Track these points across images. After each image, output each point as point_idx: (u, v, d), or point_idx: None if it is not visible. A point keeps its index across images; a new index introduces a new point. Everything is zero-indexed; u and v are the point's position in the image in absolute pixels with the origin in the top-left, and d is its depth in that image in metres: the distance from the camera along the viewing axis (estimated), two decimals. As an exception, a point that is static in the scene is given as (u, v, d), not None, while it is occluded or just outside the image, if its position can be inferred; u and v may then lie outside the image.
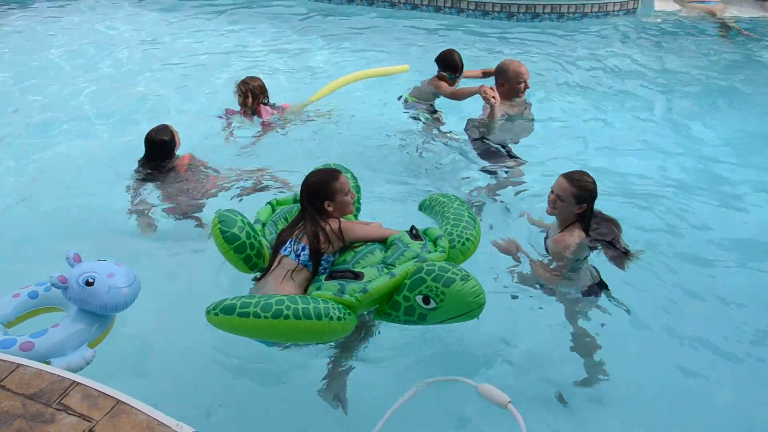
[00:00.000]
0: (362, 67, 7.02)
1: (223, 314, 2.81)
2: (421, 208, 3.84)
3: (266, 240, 3.39)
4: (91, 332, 3.00)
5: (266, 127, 5.39)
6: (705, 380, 3.26)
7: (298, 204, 3.50)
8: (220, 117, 5.50)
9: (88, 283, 2.92)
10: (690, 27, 8.95)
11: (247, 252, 3.23)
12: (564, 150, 5.39)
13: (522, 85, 5.12)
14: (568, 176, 3.46)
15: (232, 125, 5.41)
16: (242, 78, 5.43)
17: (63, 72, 7.28)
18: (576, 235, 3.43)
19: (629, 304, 3.51)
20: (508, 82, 5.13)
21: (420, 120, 5.56)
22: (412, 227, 3.30)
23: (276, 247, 3.27)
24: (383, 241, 3.28)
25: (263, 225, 3.49)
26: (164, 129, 4.55)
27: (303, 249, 3.15)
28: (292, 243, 3.18)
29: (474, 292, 2.82)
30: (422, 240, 3.21)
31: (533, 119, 5.29)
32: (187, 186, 4.50)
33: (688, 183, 4.97)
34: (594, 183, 3.43)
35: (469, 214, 3.46)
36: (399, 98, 5.79)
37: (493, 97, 4.85)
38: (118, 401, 2.43)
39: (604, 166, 5.08)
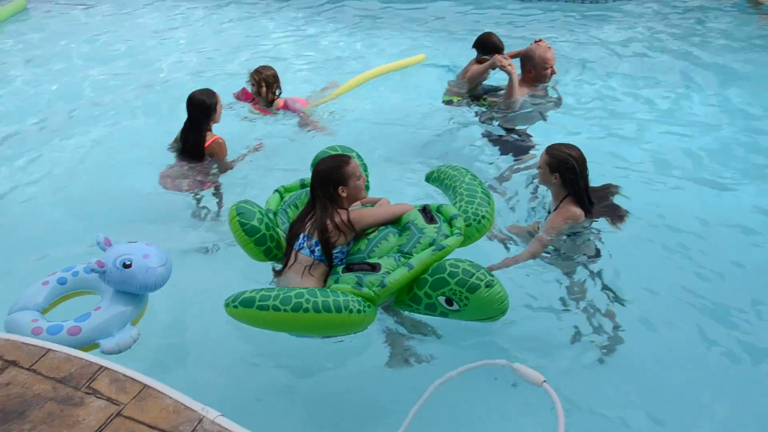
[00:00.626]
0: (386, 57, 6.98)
1: (243, 307, 2.81)
2: (428, 179, 3.74)
3: (281, 229, 3.35)
4: (131, 311, 3.08)
5: (304, 117, 5.37)
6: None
7: (307, 190, 3.47)
8: (240, 101, 5.52)
9: (126, 266, 2.98)
10: (722, 5, 8.70)
11: (267, 244, 3.22)
12: (587, 133, 5.30)
13: (549, 71, 5.10)
14: (549, 146, 3.60)
15: (234, 108, 5.43)
16: (255, 67, 5.39)
17: (82, 61, 7.38)
18: (568, 215, 3.46)
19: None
20: (535, 68, 5.09)
21: (480, 116, 5.37)
22: (425, 207, 3.22)
23: (289, 240, 3.23)
24: (396, 221, 3.21)
25: (274, 214, 3.43)
26: (209, 92, 4.46)
27: (317, 244, 3.11)
28: (305, 238, 3.14)
29: (498, 299, 2.80)
30: (437, 222, 3.12)
31: (555, 101, 5.25)
32: (187, 173, 4.45)
33: (717, 166, 4.87)
34: (572, 155, 3.48)
35: (482, 190, 3.37)
36: (448, 104, 5.61)
37: (510, 64, 4.82)
38: (145, 385, 2.47)
39: (627, 149, 5.02)
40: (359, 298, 2.82)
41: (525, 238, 3.74)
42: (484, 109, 5.32)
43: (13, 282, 3.58)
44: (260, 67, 5.36)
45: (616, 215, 3.57)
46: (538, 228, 3.69)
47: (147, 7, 9.49)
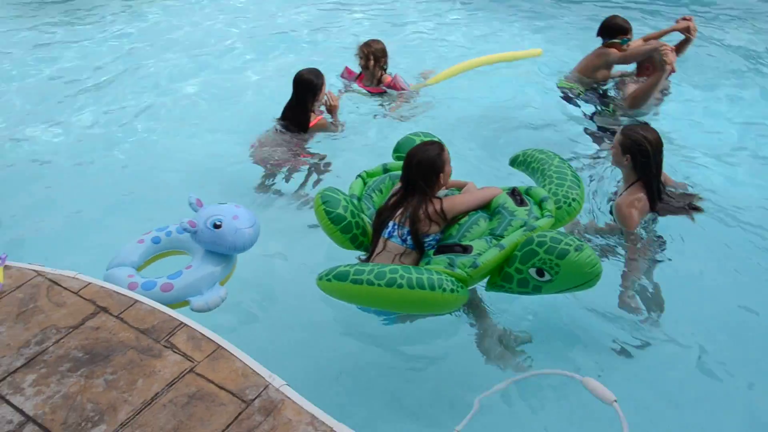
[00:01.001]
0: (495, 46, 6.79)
1: (336, 280, 2.82)
2: (513, 163, 3.68)
3: (366, 215, 3.35)
4: (220, 272, 3.20)
5: (401, 94, 5.32)
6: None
7: (390, 174, 3.49)
8: (346, 80, 5.53)
9: (216, 226, 3.10)
10: None
11: (353, 231, 3.23)
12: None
13: (668, 71, 4.79)
14: (625, 126, 3.56)
15: (352, 87, 5.43)
16: (364, 40, 5.37)
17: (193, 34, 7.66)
18: (639, 204, 3.43)
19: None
20: (653, 65, 4.80)
21: (597, 114, 5.04)
22: (515, 190, 3.18)
23: (377, 228, 3.20)
24: (486, 206, 3.17)
25: (358, 200, 3.42)
26: (316, 72, 4.55)
27: (409, 233, 3.09)
28: (397, 227, 3.10)
29: (590, 263, 2.73)
30: (527, 205, 3.10)
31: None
32: (282, 146, 4.51)
33: None
34: (647, 138, 3.41)
35: (572, 173, 3.33)
36: (565, 98, 5.31)
37: (673, 62, 4.52)
38: (219, 346, 2.55)
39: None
40: (452, 278, 2.81)
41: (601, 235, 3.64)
42: (607, 111, 5.00)
43: (107, 236, 3.83)
44: (370, 40, 5.32)
45: (690, 207, 3.47)
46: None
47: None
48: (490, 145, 4.89)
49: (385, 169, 3.57)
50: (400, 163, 3.49)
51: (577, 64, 5.37)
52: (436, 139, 3.46)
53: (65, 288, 2.86)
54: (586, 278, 2.77)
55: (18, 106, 5.82)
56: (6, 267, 2.96)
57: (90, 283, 2.89)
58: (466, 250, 2.95)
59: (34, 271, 2.97)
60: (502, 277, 2.93)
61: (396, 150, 3.71)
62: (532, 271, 2.80)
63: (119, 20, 7.94)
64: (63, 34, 7.50)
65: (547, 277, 2.78)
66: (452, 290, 2.76)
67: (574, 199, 3.19)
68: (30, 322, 2.68)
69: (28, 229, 4.06)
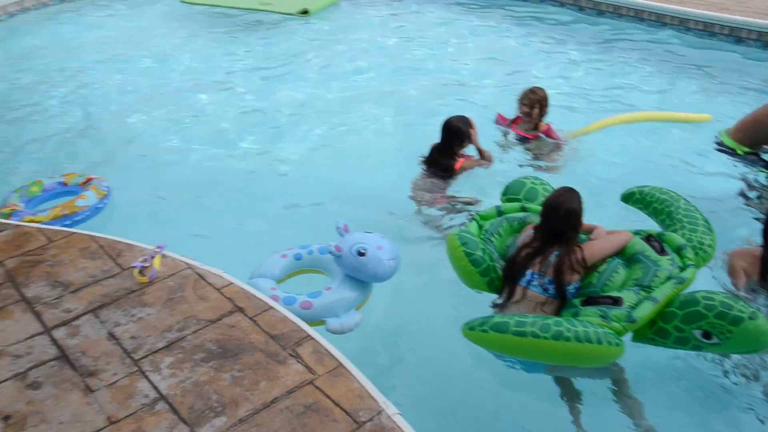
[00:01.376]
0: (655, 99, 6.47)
1: (494, 332, 2.77)
2: (627, 200, 3.58)
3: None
4: (357, 297, 3.29)
5: (557, 145, 5.25)
6: None
7: (506, 218, 3.44)
8: (501, 126, 5.52)
9: (361, 254, 3.20)
10: None
11: (491, 275, 3.19)
12: None
13: None
14: None
15: (509, 135, 5.40)
16: (530, 87, 5.27)
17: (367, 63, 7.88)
18: (747, 263, 3.26)
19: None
20: None
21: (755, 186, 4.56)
22: (651, 236, 3.11)
23: (510, 275, 3.13)
24: (620, 251, 3.12)
25: None
26: (465, 120, 4.63)
27: (550, 282, 3.02)
28: (536, 276, 3.04)
29: (766, 331, 2.64)
30: (668, 253, 3.00)
31: None
32: (427, 186, 4.55)
33: None
34: None
35: (702, 216, 3.26)
36: (724, 149, 4.90)
37: None
38: (340, 364, 2.59)
39: None
40: (613, 332, 2.75)
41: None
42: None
43: (253, 245, 4.04)
44: (534, 87, 5.26)
45: None
46: None
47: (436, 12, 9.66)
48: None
49: (499, 212, 3.52)
50: (514, 205, 3.55)
51: (745, 116, 4.80)
52: (548, 185, 3.46)
53: (209, 283, 3.07)
54: (758, 346, 2.71)
55: (185, 111, 6.39)
56: (163, 256, 3.24)
57: (232, 283, 3.08)
58: (616, 302, 2.86)
59: (185, 263, 3.22)
60: (654, 331, 2.86)
61: (505, 193, 3.70)
62: (697, 333, 2.74)
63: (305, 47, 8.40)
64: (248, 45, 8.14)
65: (714, 340, 2.72)
66: (616, 344, 2.71)
67: (709, 245, 3.14)
68: (175, 309, 2.89)
69: (180, 222, 4.42)
